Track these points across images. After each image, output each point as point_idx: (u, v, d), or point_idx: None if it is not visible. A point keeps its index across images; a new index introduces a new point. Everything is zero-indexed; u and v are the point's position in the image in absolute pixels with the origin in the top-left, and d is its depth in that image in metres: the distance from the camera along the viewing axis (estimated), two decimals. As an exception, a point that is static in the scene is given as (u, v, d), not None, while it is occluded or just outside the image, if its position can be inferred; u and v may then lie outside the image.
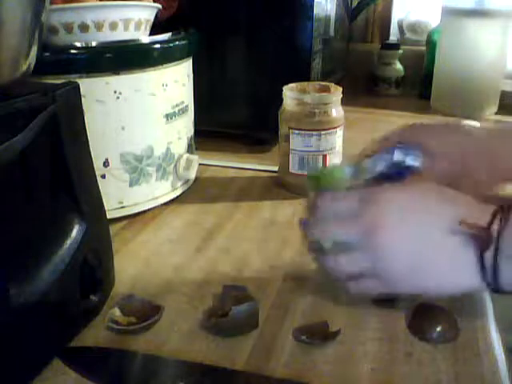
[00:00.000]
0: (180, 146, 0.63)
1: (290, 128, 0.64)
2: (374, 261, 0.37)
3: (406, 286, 0.38)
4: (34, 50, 0.37)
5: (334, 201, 0.41)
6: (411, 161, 0.44)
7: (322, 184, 0.43)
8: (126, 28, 0.55)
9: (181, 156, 0.63)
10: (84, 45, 0.52)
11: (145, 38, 0.57)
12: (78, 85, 0.40)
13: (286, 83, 0.66)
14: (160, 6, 0.59)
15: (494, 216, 0.34)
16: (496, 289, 0.35)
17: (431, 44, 1.10)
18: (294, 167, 0.65)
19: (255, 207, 0.63)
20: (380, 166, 0.45)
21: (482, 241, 0.34)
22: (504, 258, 0.33)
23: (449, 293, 0.38)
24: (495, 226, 0.34)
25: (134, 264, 0.51)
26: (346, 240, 0.39)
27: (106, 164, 0.55)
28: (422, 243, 0.37)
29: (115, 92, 0.53)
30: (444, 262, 0.36)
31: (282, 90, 0.65)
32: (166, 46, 0.57)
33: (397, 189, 0.40)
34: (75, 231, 0.40)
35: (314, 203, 0.42)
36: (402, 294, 0.42)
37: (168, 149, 0.60)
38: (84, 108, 0.41)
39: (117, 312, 0.43)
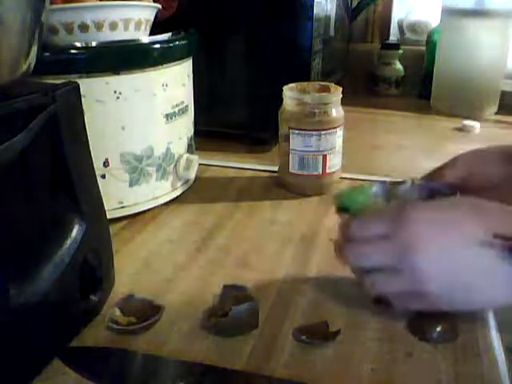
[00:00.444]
0: (180, 146, 0.63)
1: (290, 128, 0.64)
2: (412, 282, 0.37)
3: (446, 304, 0.38)
4: (34, 50, 0.37)
5: (366, 223, 0.40)
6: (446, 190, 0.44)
7: (348, 203, 0.43)
8: (126, 28, 0.55)
9: (181, 156, 0.63)
10: (84, 45, 0.52)
11: (145, 38, 0.57)
12: (78, 85, 0.40)
13: (286, 83, 0.66)
14: (160, 6, 0.60)
15: None
16: None
17: (431, 44, 1.10)
18: (294, 167, 0.65)
19: (255, 207, 0.63)
20: (414, 194, 0.45)
21: None
22: None
23: (489, 307, 0.38)
24: None
25: (134, 264, 0.51)
26: (382, 264, 0.39)
27: (105, 164, 0.55)
28: (456, 260, 0.36)
29: (115, 92, 0.53)
30: (481, 278, 0.36)
31: (282, 90, 0.65)
32: (165, 46, 0.57)
33: (425, 205, 0.39)
34: (75, 231, 0.40)
35: (346, 225, 0.41)
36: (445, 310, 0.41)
37: (168, 149, 0.60)
38: (84, 108, 0.41)
39: (117, 312, 0.43)
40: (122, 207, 0.58)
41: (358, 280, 0.42)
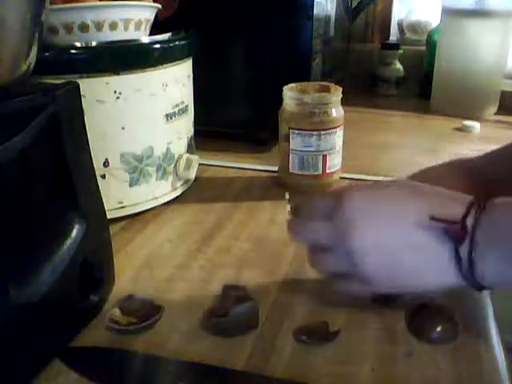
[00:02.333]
0: (180, 146, 0.63)
1: (290, 128, 0.64)
2: (351, 264, 0.38)
3: (387, 287, 0.39)
4: (34, 50, 0.37)
5: (312, 205, 0.42)
6: None
7: None
8: (126, 28, 0.55)
9: (181, 156, 0.63)
10: (84, 45, 0.52)
11: (145, 38, 0.57)
12: (78, 85, 0.40)
13: (286, 83, 0.66)
14: (160, 6, 0.60)
15: (468, 209, 0.33)
16: (475, 284, 0.34)
17: (431, 44, 1.10)
18: (293, 167, 0.65)
19: (255, 207, 0.63)
20: None
21: (456, 235, 0.33)
22: (479, 253, 0.33)
23: (430, 289, 0.38)
24: (470, 220, 0.33)
25: (134, 264, 0.51)
26: (323, 243, 0.39)
27: (105, 164, 0.55)
28: (393, 242, 0.36)
29: (115, 92, 0.53)
30: (419, 259, 0.36)
31: (282, 90, 0.65)
32: (165, 46, 0.57)
33: (365, 187, 0.40)
34: (75, 231, 0.40)
35: (297, 204, 0.43)
36: (386, 293, 0.42)
37: (168, 149, 0.60)
38: (84, 108, 0.41)
39: (117, 312, 0.43)
40: (122, 207, 0.58)
41: (308, 257, 0.43)
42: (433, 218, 0.34)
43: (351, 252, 0.37)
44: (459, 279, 0.35)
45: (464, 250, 0.33)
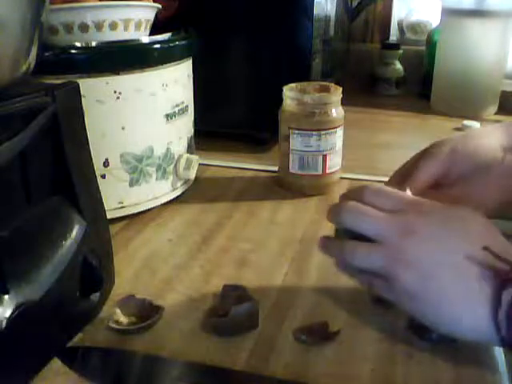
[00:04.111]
0: (180, 146, 0.63)
1: (290, 128, 0.64)
2: (391, 261, 0.36)
3: (409, 302, 0.36)
4: (34, 50, 0.37)
5: (379, 192, 0.39)
6: None
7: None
8: (126, 28, 0.55)
9: (181, 156, 0.63)
10: (84, 45, 0.52)
11: (145, 38, 0.57)
12: (78, 85, 0.40)
13: (286, 83, 0.66)
14: (160, 5, 0.60)
15: None
16: (503, 339, 0.32)
17: (431, 44, 1.10)
18: (293, 167, 0.65)
19: (255, 207, 0.63)
20: None
21: (502, 277, 0.32)
22: None
23: (448, 325, 0.35)
24: None
25: (134, 264, 0.51)
26: (375, 232, 0.37)
27: (105, 164, 0.55)
28: (442, 262, 0.35)
29: (115, 92, 0.53)
30: (456, 287, 0.34)
31: (282, 90, 0.65)
32: (165, 45, 0.57)
33: (440, 205, 0.38)
34: (75, 231, 0.40)
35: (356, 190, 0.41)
36: (400, 309, 0.39)
37: (168, 149, 0.60)
38: (84, 108, 0.41)
39: (117, 312, 0.43)
40: (122, 207, 0.58)
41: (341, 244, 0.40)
42: (487, 249, 0.33)
43: (403, 248, 0.36)
44: (490, 325, 0.32)
45: (507, 295, 0.32)
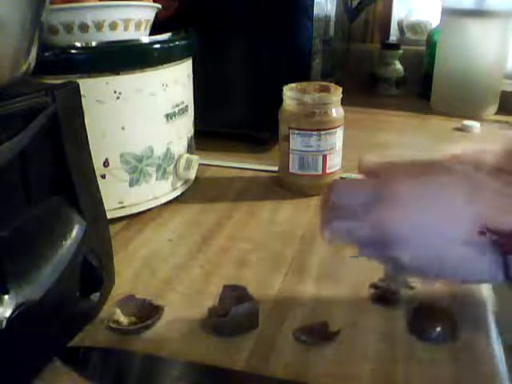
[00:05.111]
0: (180, 146, 0.63)
1: (289, 128, 0.64)
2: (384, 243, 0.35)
3: (414, 269, 0.35)
4: (34, 50, 0.37)
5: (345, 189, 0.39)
6: None
7: None
8: (126, 28, 0.55)
9: (181, 156, 0.63)
10: (84, 45, 0.52)
11: (145, 38, 0.57)
12: (78, 85, 0.40)
13: (286, 83, 0.66)
14: (160, 5, 0.60)
15: None
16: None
17: (431, 44, 1.10)
18: (293, 167, 0.65)
19: (255, 207, 0.63)
20: None
21: (506, 246, 0.33)
22: None
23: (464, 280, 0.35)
24: None
25: (134, 264, 0.51)
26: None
27: (105, 164, 0.55)
28: (442, 244, 0.34)
29: (115, 92, 0.53)
30: (465, 263, 0.34)
31: (282, 90, 0.65)
32: (165, 45, 0.57)
33: (414, 180, 0.37)
34: (75, 231, 0.40)
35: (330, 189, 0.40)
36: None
37: (168, 149, 0.60)
38: (84, 108, 0.41)
39: (117, 312, 0.43)
40: (122, 207, 0.58)
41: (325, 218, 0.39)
42: (487, 229, 0.33)
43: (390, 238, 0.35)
44: (502, 278, 0.33)
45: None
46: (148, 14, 0.58)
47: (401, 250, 0.35)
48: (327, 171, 0.65)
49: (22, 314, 0.34)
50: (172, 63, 0.58)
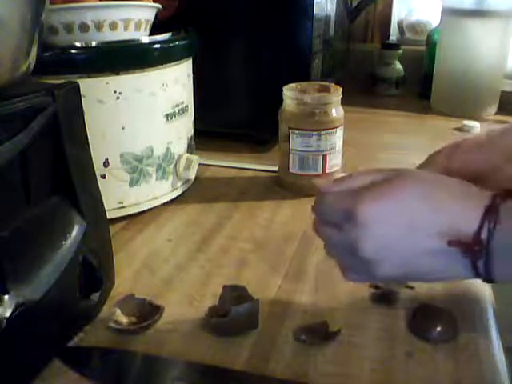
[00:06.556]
0: (180, 146, 0.63)
1: (289, 128, 0.64)
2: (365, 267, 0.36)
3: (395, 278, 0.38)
4: (34, 50, 0.37)
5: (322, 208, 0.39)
6: None
7: None
8: (126, 28, 0.55)
9: (181, 156, 0.63)
10: (84, 45, 0.52)
11: (145, 38, 0.57)
12: (78, 85, 0.40)
13: (286, 83, 0.66)
14: (160, 5, 0.60)
15: (482, 222, 0.32)
16: (490, 282, 0.34)
17: (431, 44, 1.10)
18: (293, 167, 0.65)
19: (255, 207, 0.63)
20: None
21: (473, 253, 0.33)
22: (496, 263, 0.32)
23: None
24: (484, 235, 0.32)
25: (134, 264, 0.51)
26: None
27: (105, 164, 0.55)
28: (408, 258, 0.35)
29: (115, 92, 0.53)
30: (435, 271, 0.35)
31: (282, 90, 0.65)
32: (165, 45, 0.57)
33: (378, 195, 0.35)
34: (75, 231, 0.40)
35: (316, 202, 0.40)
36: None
37: (168, 149, 0.60)
38: (84, 108, 0.41)
39: (117, 312, 0.43)
40: (122, 207, 0.58)
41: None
42: (449, 243, 0.33)
43: (365, 260, 0.35)
44: (474, 277, 0.34)
45: (481, 262, 0.33)
46: (148, 14, 0.58)
47: (374, 269, 0.36)
48: (327, 171, 0.65)
49: (21, 313, 0.34)
50: (172, 63, 0.58)
